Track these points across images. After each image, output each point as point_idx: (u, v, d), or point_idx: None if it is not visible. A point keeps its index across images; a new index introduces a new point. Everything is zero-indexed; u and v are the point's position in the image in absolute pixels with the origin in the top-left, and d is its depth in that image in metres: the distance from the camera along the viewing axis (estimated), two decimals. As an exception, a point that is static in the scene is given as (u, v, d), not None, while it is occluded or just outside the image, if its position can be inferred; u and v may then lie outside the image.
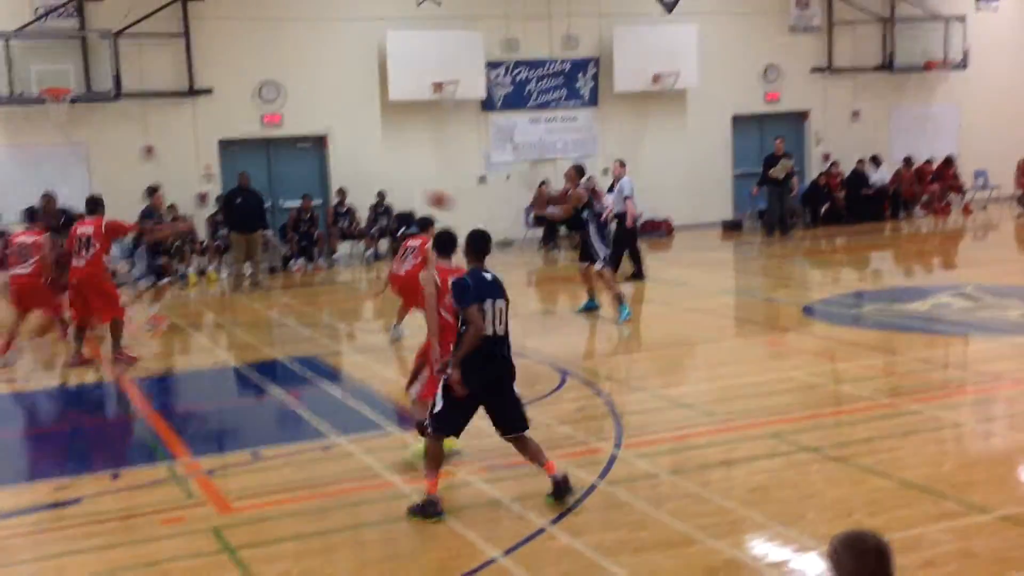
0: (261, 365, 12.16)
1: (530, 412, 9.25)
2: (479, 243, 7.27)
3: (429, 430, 7.06)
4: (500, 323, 7.00)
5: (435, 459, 7.05)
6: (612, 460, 7.90)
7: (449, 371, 6.90)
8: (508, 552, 6.28)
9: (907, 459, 7.67)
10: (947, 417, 8.75)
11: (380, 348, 13.05)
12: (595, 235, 13.72)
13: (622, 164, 17.98)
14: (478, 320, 6.88)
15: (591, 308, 14.19)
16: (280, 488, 7.75)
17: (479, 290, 6.94)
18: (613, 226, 17.68)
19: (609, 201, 17.16)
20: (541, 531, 6.59)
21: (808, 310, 14.10)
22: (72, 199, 19.64)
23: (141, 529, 7.03)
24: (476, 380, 6.91)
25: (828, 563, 3.30)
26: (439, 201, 10.05)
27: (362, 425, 9.40)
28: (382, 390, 10.71)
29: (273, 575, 6.15)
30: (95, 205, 12.73)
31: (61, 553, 6.72)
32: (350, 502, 7.44)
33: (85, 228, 12.32)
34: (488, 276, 7.09)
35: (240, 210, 19.07)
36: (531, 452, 7.18)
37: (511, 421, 7.15)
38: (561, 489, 7.02)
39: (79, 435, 9.98)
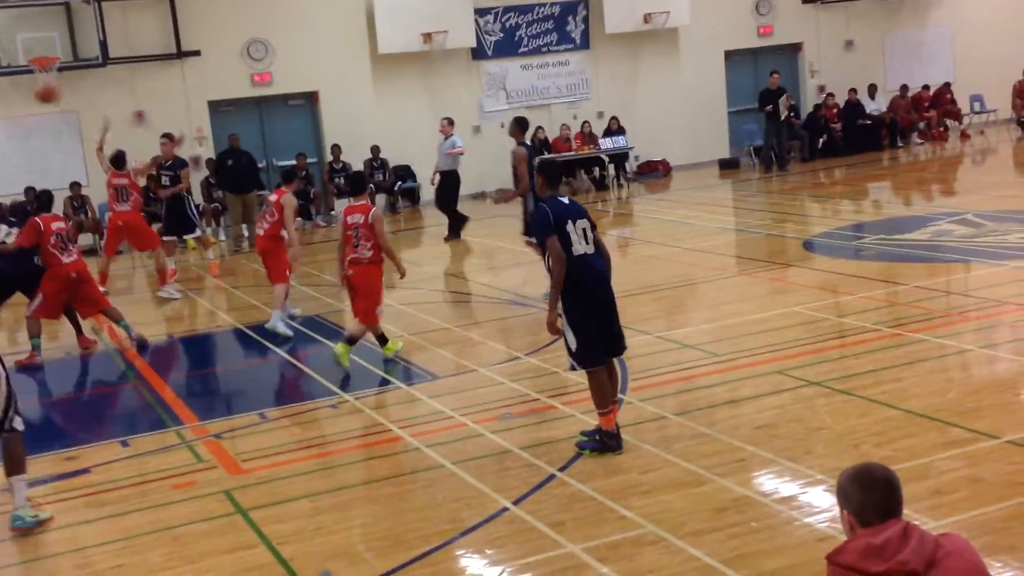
0: (262, 327, 12.15)
1: (537, 360, 9.32)
2: (551, 170, 7.28)
3: (579, 368, 7.03)
4: (587, 242, 6.94)
5: (599, 393, 6.96)
6: (619, 404, 7.91)
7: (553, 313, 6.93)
8: (519, 501, 6.31)
9: (912, 388, 7.69)
10: (951, 345, 8.75)
11: (383, 304, 13.03)
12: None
13: (451, 123, 18.08)
14: (558, 250, 6.80)
15: None
16: (289, 448, 7.79)
17: (558, 216, 6.89)
18: (436, 180, 18.00)
19: (444, 159, 17.46)
20: (551, 478, 6.63)
21: (809, 244, 14.07)
22: (66, 168, 19.63)
23: (153, 495, 7.07)
24: (580, 305, 6.89)
25: (837, 497, 3.30)
26: (46, 96, 10.09)
27: (368, 381, 9.43)
28: (386, 345, 10.70)
29: (287, 534, 6.19)
30: (120, 161, 14.80)
31: (75, 522, 6.76)
32: (360, 458, 7.48)
33: (120, 180, 14.51)
34: (565, 200, 7.05)
35: (233, 172, 19.06)
36: (616, 382, 7.13)
37: (612, 343, 7.06)
38: (618, 440, 6.96)
39: (86, 404, 10.01)
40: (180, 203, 15.62)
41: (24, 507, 6.65)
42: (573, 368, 7.11)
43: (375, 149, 21.41)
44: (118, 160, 14.77)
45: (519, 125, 12.39)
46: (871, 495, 3.22)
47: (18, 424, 6.65)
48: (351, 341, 9.71)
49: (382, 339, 9.97)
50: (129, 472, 7.61)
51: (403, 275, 10.28)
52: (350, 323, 9.25)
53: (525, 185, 11.75)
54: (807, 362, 8.55)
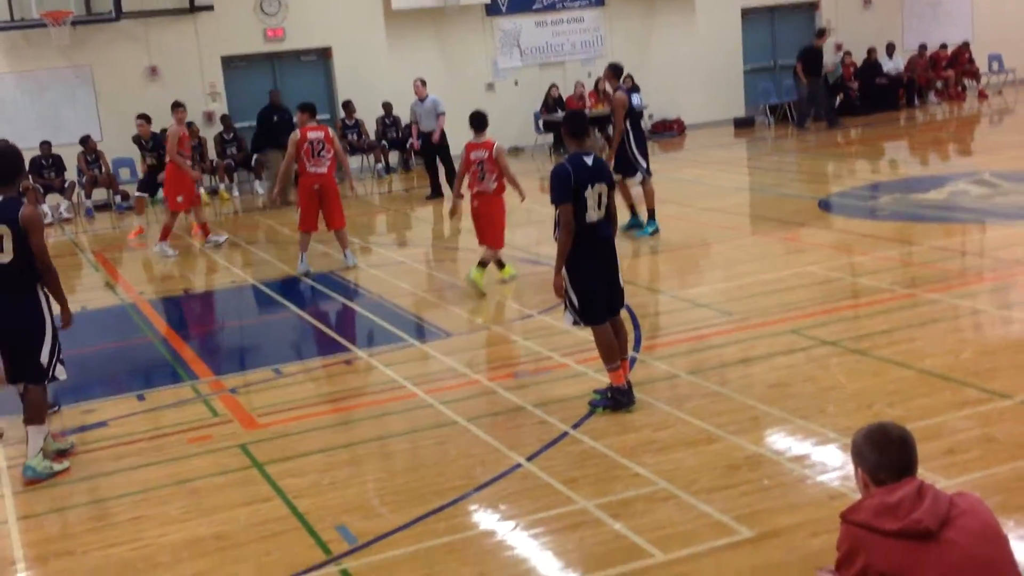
0: (278, 282, 12.20)
1: (550, 319, 9.33)
2: (575, 124, 7.05)
3: (581, 324, 7.05)
4: (599, 208, 6.85)
5: (605, 348, 6.96)
6: (632, 362, 7.93)
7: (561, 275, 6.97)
8: (532, 457, 6.35)
9: (927, 348, 7.68)
10: (966, 305, 8.73)
11: (396, 262, 13.07)
12: (635, 144, 12.59)
13: (423, 83, 17.70)
14: (568, 219, 6.75)
15: (635, 226, 12.98)
16: (304, 403, 7.84)
17: (578, 180, 6.74)
18: (416, 144, 17.91)
19: (426, 120, 17.24)
20: (564, 435, 6.66)
21: (824, 204, 14.01)
22: (79, 123, 19.62)
23: (169, 449, 7.13)
24: (585, 266, 6.90)
25: (852, 456, 3.32)
26: None
27: (382, 338, 9.46)
28: (399, 303, 10.75)
29: (302, 487, 6.24)
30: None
31: (92, 475, 6.83)
32: (374, 414, 7.52)
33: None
34: (588, 160, 6.85)
35: (279, 128, 18.48)
36: (623, 338, 7.10)
37: (613, 301, 7.05)
38: (629, 395, 7.00)
39: (102, 358, 10.06)
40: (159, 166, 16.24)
41: (37, 457, 6.75)
42: (575, 323, 7.12)
43: (387, 106, 21.30)
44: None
45: (613, 71, 12.71)
46: (886, 454, 3.23)
47: (60, 373, 6.83)
48: (483, 264, 10.63)
49: (500, 263, 10.98)
50: (145, 426, 7.67)
51: (523, 199, 11.20)
52: (481, 250, 10.87)
53: (618, 134, 12.44)
54: (821, 322, 8.54)
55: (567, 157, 6.95)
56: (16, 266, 6.55)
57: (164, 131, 16.19)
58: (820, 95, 22.94)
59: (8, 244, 6.52)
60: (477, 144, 10.72)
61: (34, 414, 6.78)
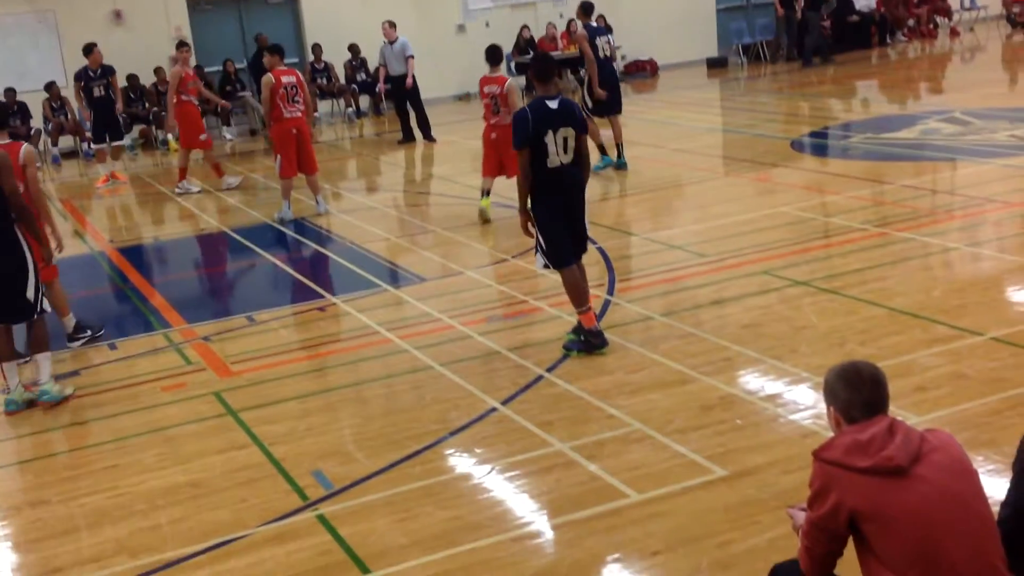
0: (249, 229, 12.11)
1: (521, 262, 9.32)
2: (541, 67, 7.01)
3: (550, 267, 7.09)
4: (566, 152, 6.79)
5: (574, 291, 6.99)
6: (606, 305, 7.95)
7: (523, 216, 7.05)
8: (507, 401, 6.37)
9: (898, 287, 7.73)
10: (936, 243, 8.78)
11: (367, 207, 13.00)
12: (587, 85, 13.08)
13: (392, 25, 17.24)
14: (524, 165, 6.77)
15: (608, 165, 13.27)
16: (278, 350, 7.82)
17: (538, 123, 6.70)
18: (384, 88, 17.68)
19: (396, 64, 16.99)
20: (539, 378, 6.68)
21: (796, 144, 14.01)
22: (44, 69, 19.28)
23: (143, 397, 7.11)
24: (549, 210, 6.90)
25: (824, 395, 3.33)
26: None
27: (355, 284, 9.43)
28: (372, 248, 10.70)
29: (278, 434, 6.24)
30: None
31: (67, 424, 6.81)
32: (349, 360, 7.51)
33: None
34: (553, 104, 6.77)
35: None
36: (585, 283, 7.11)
37: (574, 245, 7.06)
38: (600, 338, 7.01)
39: (72, 308, 9.97)
40: (109, 109, 15.81)
41: (50, 382, 7.06)
42: (546, 267, 7.14)
43: (354, 48, 21.03)
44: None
45: (584, 9, 13.20)
46: (858, 392, 3.25)
47: (47, 305, 7.19)
48: (487, 193, 11.14)
49: (487, 192, 11.19)
50: (119, 375, 7.63)
51: None
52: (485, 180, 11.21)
53: (591, 62, 12.77)
54: (793, 262, 8.57)
55: (530, 102, 6.91)
56: None
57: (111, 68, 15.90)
58: (797, 30, 22.84)
59: None
60: (491, 78, 10.97)
61: (41, 343, 7.11)
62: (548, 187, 6.84)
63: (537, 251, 7.11)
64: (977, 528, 3.10)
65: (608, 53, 13.07)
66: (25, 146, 7.54)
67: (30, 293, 6.93)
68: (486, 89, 10.99)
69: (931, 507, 3.07)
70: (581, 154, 6.91)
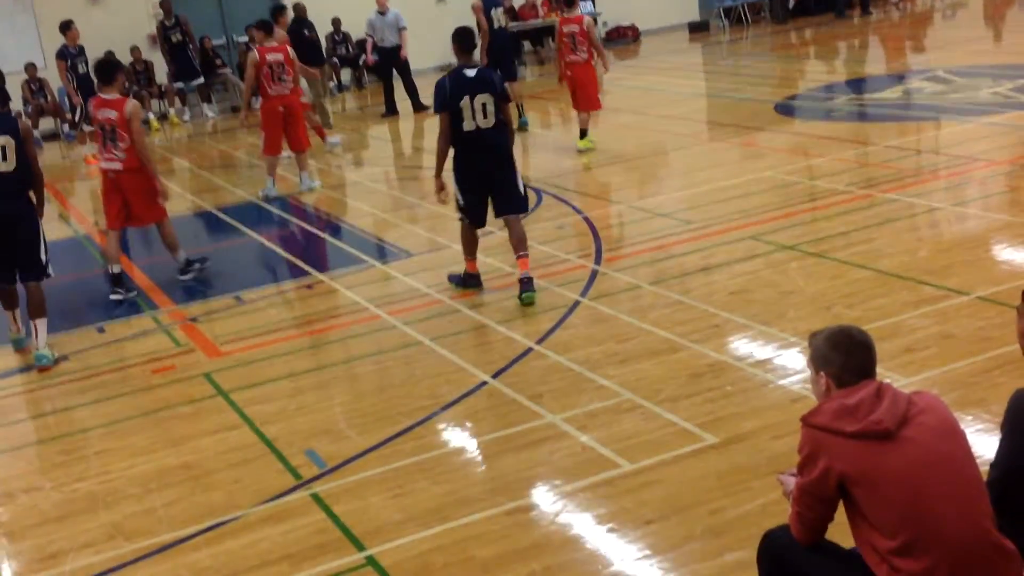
0: (234, 208, 12.07)
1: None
2: (461, 39, 7.63)
3: (465, 220, 7.76)
4: (484, 117, 7.39)
5: (467, 242, 7.85)
6: (594, 275, 7.96)
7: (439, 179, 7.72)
8: (498, 374, 6.38)
9: (884, 249, 7.75)
10: (922, 204, 8.80)
11: (352, 183, 12.96)
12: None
13: None
14: (444, 127, 7.42)
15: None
16: (267, 329, 7.81)
17: (455, 89, 7.34)
18: (372, 58, 17.51)
19: (387, 34, 16.83)
20: (529, 351, 6.69)
21: (780, 107, 13.99)
22: (21, 51, 19.09)
23: (134, 380, 7.11)
24: (467, 174, 7.56)
25: (813, 360, 3.34)
26: None
27: (342, 261, 9.41)
28: (358, 224, 10.68)
29: (270, 413, 6.25)
30: None
31: (57, 409, 6.81)
32: (339, 337, 7.51)
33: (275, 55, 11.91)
34: (470, 73, 7.44)
35: (312, 44, 16.87)
36: (515, 238, 7.64)
37: (500, 204, 7.69)
38: (525, 286, 7.48)
39: (59, 291, 9.94)
40: (93, 87, 15.64)
41: (45, 347, 7.47)
42: (461, 219, 7.79)
43: (336, 21, 20.88)
44: None
45: None
46: (852, 356, 3.27)
47: (51, 270, 7.70)
48: (584, 134, 12.40)
49: (584, 133, 12.39)
50: (108, 358, 7.62)
51: (607, 70, 13.39)
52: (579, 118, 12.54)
53: (484, 32, 13.46)
54: (779, 226, 8.58)
55: (449, 72, 7.53)
56: (17, 174, 7.33)
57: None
58: None
59: (12, 154, 7.27)
60: (569, 19, 12.26)
61: (37, 308, 7.52)
62: (466, 149, 7.47)
63: (457, 205, 7.77)
64: (966, 490, 3.13)
65: (503, 23, 14.08)
66: (130, 100, 8.72)
67: (43, 255, 7.55)
68: (565, 28, 12.18)
69: (919, 469, 3.10)
70: (501, 120, 7.51)
